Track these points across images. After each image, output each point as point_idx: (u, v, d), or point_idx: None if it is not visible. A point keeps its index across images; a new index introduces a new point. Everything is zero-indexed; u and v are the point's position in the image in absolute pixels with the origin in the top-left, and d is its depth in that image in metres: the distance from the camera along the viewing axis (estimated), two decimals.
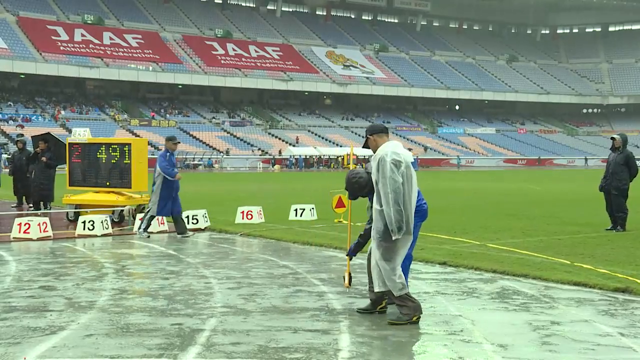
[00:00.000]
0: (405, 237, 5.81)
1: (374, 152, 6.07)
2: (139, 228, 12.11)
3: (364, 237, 6.34)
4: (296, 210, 14.77)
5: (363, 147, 6.32)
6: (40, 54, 66.84)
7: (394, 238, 5.75)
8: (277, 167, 63.41)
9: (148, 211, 12.12)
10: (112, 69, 69.22)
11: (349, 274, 6.78)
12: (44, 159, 15.41)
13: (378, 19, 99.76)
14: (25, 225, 11.58)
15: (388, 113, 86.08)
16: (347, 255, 6.72)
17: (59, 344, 5.16)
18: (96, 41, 72.18)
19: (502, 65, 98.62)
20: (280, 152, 68.11)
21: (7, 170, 15.06)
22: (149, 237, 11.85)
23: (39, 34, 69.40)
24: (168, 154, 12.08)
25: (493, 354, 4.97)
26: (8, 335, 5.42)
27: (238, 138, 70.75)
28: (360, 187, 6.17)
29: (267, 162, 65.93)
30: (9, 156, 15.14)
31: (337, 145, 72.93)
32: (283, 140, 72.19)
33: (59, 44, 69.35)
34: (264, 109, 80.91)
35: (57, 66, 65.96)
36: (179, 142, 13.65)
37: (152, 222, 12.19)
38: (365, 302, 6.39)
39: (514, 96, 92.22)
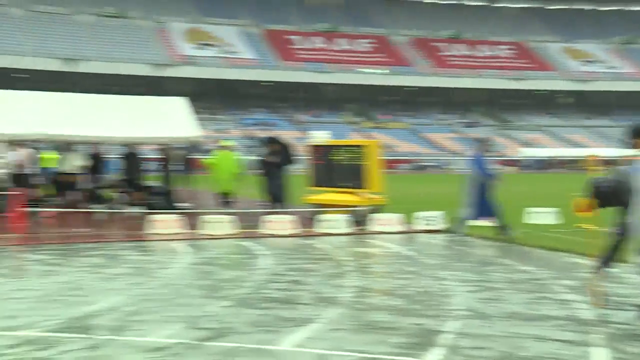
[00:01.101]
0: None
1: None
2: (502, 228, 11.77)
3: (614, 250, 5.89)
4: (533, 213, 14.21)
5: (624, 148, 5.85)
6: (282, 62, 71.77)
7: None
8: (513, 169, 61.32)
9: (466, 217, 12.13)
10: (345, 74, 72.12)
11: (601, 291, 6.29)
12: (271, 159, 16.30)
13: (624, 9, 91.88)
14: (273, 222, 12.52)
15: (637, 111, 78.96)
16: (598, 269, 6.24)
17: (311, 336, 5.50)
18: (330, 48, 75.76)
19: None
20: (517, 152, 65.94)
21: (261, 171, 16.36)
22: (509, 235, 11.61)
23: (280, 44, 74.58)
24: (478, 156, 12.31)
25: None
26: (265, 323, 5.91)
27: (470, 139, 69.69)
28: (607, 197, 5.77)
29: (501, 164, 64.12)
30: (263, 158, 16.39)
31: (577, 145, 68.60)
32: (517, 141, 69.71)
33: (296, 52, 73.92)
34: (495, 110, 78.79)
35: (295, 73, 70.38)
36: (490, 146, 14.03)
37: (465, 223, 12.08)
38: None
39: None
